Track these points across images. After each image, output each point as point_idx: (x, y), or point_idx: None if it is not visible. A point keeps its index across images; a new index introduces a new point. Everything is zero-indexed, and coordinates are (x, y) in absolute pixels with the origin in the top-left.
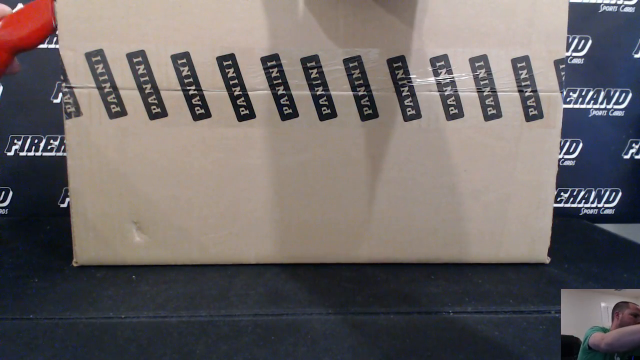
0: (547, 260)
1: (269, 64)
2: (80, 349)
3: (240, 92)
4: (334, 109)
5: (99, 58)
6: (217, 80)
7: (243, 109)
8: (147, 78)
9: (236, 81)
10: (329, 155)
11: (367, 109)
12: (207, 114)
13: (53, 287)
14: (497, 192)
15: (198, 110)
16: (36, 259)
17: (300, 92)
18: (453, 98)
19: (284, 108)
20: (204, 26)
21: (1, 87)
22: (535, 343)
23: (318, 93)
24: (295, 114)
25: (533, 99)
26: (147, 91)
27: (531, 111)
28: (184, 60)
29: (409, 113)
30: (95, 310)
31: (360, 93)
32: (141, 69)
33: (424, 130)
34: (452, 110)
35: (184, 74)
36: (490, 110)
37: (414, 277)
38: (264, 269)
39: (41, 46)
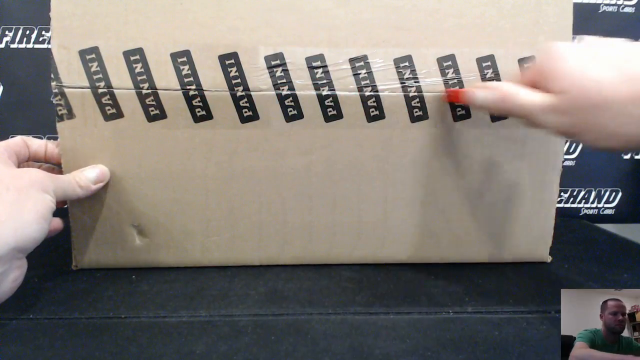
0: (549, 259)
1: (272, 63)
2: (80, 349)
3: (243, 93)
4: (340, 110)
5: (93, 56)
6: (219, 80)
7: (246, 110)
8: (144, 77)
9: (239, 81)
10: (333, 157)
11: (374, 110)
12: (209, 116)
13: (53, 287)
14: (501, 193)
15: (199, 111)
16: (36, 259)
17: (306, 93)
18: None
19: (289, 109)
20: (206, 24)
21: (1, 87)
22: (535, 343)
23: (324, 93)
24: (300, 116)
25: None
26: (144, 92)
27: None
28: (184, 59)
29: (415, 114)
30: (95, 310)
31: (367, 93)
32: (138, 68)
33: (431, 132)
34: (459, 111)
35: (184, 73)
36: None
37: (414, 277)
38: (264, 269)
39: (41, 46)
